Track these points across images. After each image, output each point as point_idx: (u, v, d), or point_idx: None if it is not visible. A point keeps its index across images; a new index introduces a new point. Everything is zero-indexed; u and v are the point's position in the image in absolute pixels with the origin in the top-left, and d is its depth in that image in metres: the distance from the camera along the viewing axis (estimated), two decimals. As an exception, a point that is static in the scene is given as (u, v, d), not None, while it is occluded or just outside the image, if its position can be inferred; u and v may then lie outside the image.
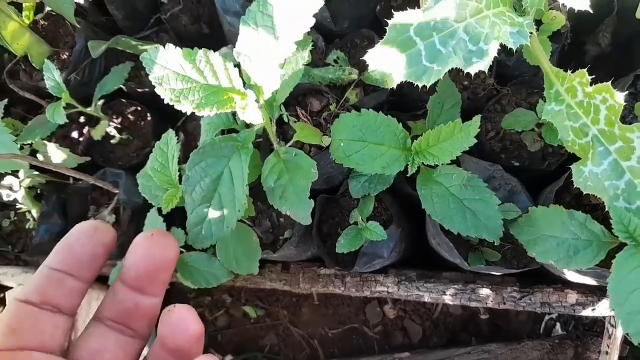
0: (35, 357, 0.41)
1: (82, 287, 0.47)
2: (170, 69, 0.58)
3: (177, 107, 0.60)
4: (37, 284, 0.45)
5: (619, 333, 1.04)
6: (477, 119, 0.74)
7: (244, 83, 0.62)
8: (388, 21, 0.63)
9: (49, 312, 0.44)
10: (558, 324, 1.21)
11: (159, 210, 0.87)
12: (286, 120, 0.85)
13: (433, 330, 1.26)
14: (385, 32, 1.05)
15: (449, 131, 0.74)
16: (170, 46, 0.59)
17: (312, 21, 0.59)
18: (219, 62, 0.59)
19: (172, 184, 0.78)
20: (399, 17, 0.63)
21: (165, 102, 0.59)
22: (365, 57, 0.63)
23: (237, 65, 0.63)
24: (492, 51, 0.64)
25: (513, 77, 0.97)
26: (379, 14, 1.07)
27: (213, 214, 0.59)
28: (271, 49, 0.60)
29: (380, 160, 0.78)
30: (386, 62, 0.64)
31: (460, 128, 0.74)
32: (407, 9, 1.11)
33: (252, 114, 0.61)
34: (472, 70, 0.63)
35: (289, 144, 0.78)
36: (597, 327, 1.20)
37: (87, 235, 0.45)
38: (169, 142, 0.81)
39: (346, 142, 0.77)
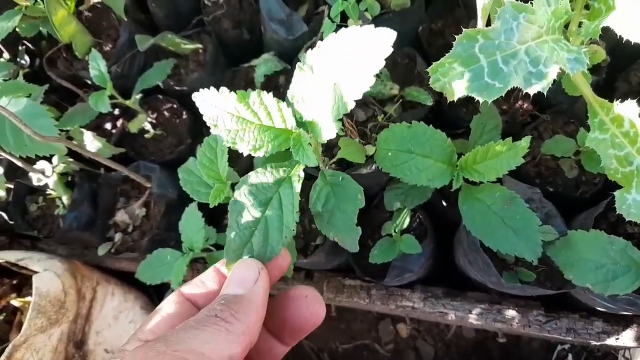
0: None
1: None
2: (225, 110, 0.59)
3: (235, 148, 0.61)
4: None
5: (634, 367, 1.05)
6: (527, 139, 0.75)
7: (298, 122, 0.63)
8: (455, 36, 0.65)
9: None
10: (570, 355, 1.21)
11: (199, 205, 0.88)
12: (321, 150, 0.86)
13: (445, 352, 1.26)
14: (426, 51, 1.08)
15: (497, 149, 0.76)
16: (224, 90, 0.59)
17: (373, 80, 0.60)
18: (272, 103, 0.60)
19: (220, 179, 0.79)
20: (466, 34, 0.66)
21: (223, 144, 0.60)
22: (428, 69, 0.65)
23: (290, 105, 0.63)
24: (552, 74, 0.66)
25: (549, 105, 0.99)
26: (420, 34, 1.09)
27: (257, 238, 0.57)
28: (329, 98, 0.61)
29: (426, 173, 0.79)
30: (449, 76, 0.66)
31: (509, 147, 0.75)
32: (446, 31, 1.15)
33: (307, 156, 0.61)
34: (532, 90, 0.65)
35: (333, 160, 0.79)
36: (608, 360, 1.20)
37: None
38: (218, 138, 0.82)
39: (394, 152, 0.79)
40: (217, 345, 0.38)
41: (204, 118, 0.59)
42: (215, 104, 0.59)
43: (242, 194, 0.59)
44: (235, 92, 0.59)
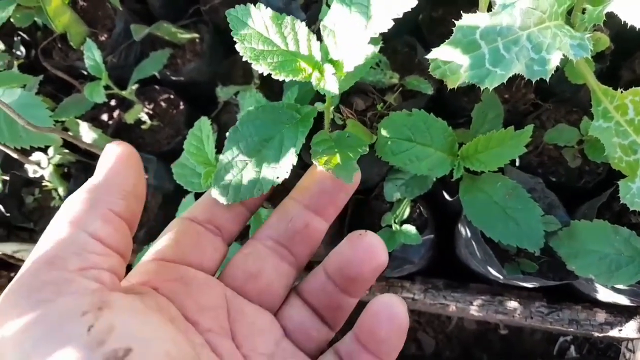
0: (193, 273, 0.40)
1: (246, 214, 0.47)
2: (255, 29, 0.58)
3: (254, 66, 0.59)
4: (205, 204, 0.45)
5: (637, 358, 1.04)
6: (529, 128, 0.74)
7: (324, 57, 0.61)
8: (455, 22, 0.63)
9: (211, 234, 0.44)
10: (572, 347, 1.21)
11: (196, 196, 0.87)
12: (332, 116, 0.84)
13: (446, 344, 1.25)
14: (426, 40, 1.06)
15: (499, 138, 0.75)
16: (261, 5, 0.58)
17: (411, 6, 0.58)
18: (303, 31, 0.59)
19: (209, 163, 0.78)
20: (467, 20, 0.64)
21: (244, 59, 0.58)
22: (429, 56, 0.63)
23: (320, 40, 0.62)
24: (555, 61, 0.64)
25: (552, 94, 0.98)
26: (420, 22, 1.08)
27: (248, 172, 0.56)
28: (360, 27, 0.59)
29: (427, 162, 0.77)
30: (450, 63, 0.65)
31: (511, 136, 0.74)
32: (446, 19, 1.13)
33: (330, 85, 0.59)
34: (534, 77, 0.64)
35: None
36: (611, 352, 1.20)
37: None
38: (202, 127, 0.81)
39: (394, 140, 0.77)
40: (87, 220, 0.34)
41: (232, 34, 0.57)
42: (249, 22, 0.57)
43: (245, 125, 0.58)
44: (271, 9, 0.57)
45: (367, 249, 0.42)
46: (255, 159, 0.54)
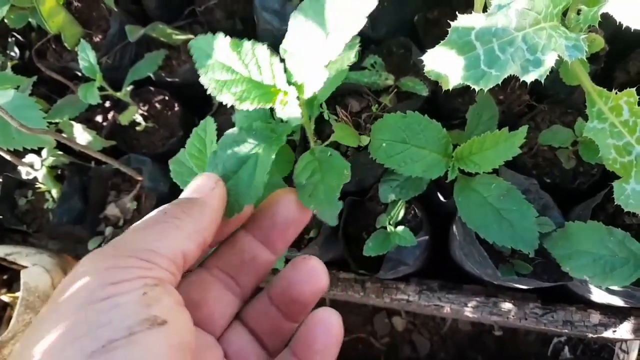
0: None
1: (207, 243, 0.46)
2: (217, 59, 0.58)
3: (219, 98, 0.59)
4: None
5: (631, 359, 1.04)
6: (523, 129, 0.74)
7: (288, 80, 0.61)
8: (451, 23, 0.63)
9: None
10: (567, 348, 1.21)
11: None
12: (327, 117, 0.84)
13: (441, 345, 1.25)
14: (421, 41, 1.07)
15: (493, 140, 0.75)
16: (220, 35, 0.58)
17: (364, 21, 0.58)
18: (264, 56, 0.58)
19: (208, 169, 0.77)
20: (462, 21, 0.64)
21: (208, 92, 0.59)
22: (423, 58, 0.63)
23: (283, 61, 0.62)
24: (550, 62, 0.64)
25: (547, 96, 0.98)
26: (416, 23, 1.08)
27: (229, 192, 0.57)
28: (319, 47, 0.59)
29: (421, 164, 0.77)
30: (445, 64, 0.64)
31: (506, 137, 0.74)
32: (442, 21, 1.14)
33: (291, 112, 0.59)
34: (529, 78, 0.64)
35: (326, 143, 0.78)
36: (605, 353, 1.20)
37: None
38: (207, 128, 0.80)
39: (388, 142, 0.77)
40: (168, 242, 0.36)
41: (196, 66, 0.56)
42: (208, 52, 0.57)
43: (223, 149, 0.58)
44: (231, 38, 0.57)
45: (309, 271, 0.43)
46: (231, 181, 0.54)
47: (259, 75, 0.59)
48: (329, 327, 0.40)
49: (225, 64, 0.58)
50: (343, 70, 0.75)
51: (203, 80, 0.58)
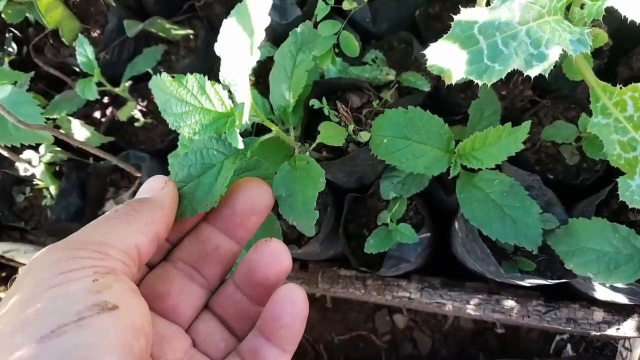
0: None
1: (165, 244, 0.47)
2: (172, 95, 0.58)
3: (179, 131, 0.59)
4: None
5: (634, 357, 1.03)
6: (526, 125, 0.73)
7: (234, 104, 0.60)
8: (454, 16, 0.62)
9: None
10: (569, 345, 1.20)
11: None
12: (327, 113, 0.83)
13: (442, 343, 1.25)
14: (423, 36, 1.05)
15: (496, 135, 0.74)
16: (164, 75, 0.58)
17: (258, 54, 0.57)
18: (208, 85, 0.58)
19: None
20: (465, 14, 0.63)
21: (169, 127, 0.59)
22: (426, 52, 0.62)
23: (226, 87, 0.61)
24: (553, 56, 0.63)
25: (550, 91, 0.97)
26: (417, 18, 1.07)
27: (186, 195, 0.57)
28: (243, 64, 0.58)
29: (423, 160, 0.77)
30: (447, 58, 0.63)
31: (509, 133, 0.73)
32: (443, 15, 1.12)
33: (233, 138, 0.59)
34: (532, 73, 0.63)
35: (313, 146, 0.76)
36: (607, 350, 1.19)
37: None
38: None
39: (390, 138, 0.76)
40: (120, 235, 0.37)
41: (157, 103, 0.58)
42: (163, 89, 0.57)
43: (194, 150, 0.58)
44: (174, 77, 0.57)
45: (271, 253, 0.43)
46: (192, 184, 0.54)
47: (209, 104, 0.58)
48: (294, 301, 0.41)
49: (178, 98, 0.58)
50: (304, 74, 0.73)
51: (164, 116, 0.59)
